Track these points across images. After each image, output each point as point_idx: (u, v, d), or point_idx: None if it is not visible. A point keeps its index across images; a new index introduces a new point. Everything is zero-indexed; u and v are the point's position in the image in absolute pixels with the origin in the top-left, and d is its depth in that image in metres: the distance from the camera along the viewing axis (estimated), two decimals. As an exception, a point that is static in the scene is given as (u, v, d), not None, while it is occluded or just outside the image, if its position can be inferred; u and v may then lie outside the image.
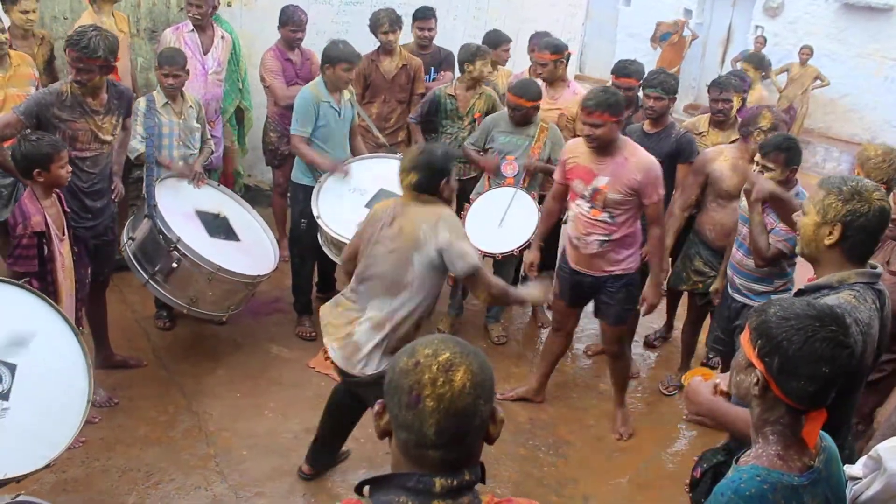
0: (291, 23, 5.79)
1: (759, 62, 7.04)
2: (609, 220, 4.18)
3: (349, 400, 3.84)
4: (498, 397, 4.75)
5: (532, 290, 3.81)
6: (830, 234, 2.51)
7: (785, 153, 3.89)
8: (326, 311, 3.70)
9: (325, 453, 4.05)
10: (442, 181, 3.45)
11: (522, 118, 5.11)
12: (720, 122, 5.14)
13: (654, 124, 4.92)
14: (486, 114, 5.59)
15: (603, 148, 4.10)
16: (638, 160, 4.10)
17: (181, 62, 4.83)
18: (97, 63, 3.91)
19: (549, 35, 6.08)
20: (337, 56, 4.92)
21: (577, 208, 4.27)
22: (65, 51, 3.95)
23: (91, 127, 4.04)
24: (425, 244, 3.35)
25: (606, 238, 4.22)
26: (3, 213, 5.08)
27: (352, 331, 3.53)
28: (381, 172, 5.00)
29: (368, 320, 3.51)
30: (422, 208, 3.43)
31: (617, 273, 4.32)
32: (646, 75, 5.14)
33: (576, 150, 4.26)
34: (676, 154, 4.87)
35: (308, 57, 5.93)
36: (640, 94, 5.11)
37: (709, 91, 5.16)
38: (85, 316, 4.24)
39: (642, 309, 4.47)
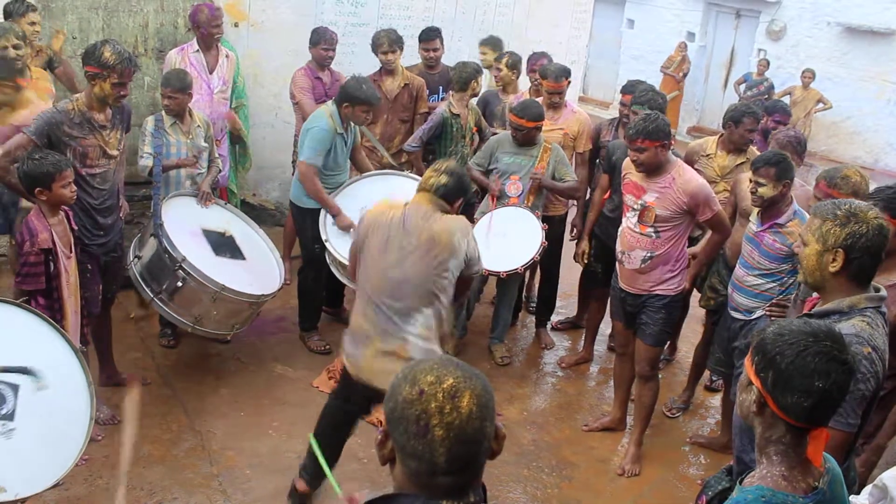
0: (324, 41, 5.88)
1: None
2: (654, 235, 4.28)
3: (348, 418, 3.86)
4: (583, 428, 4.88)
5: None
6: (834, 260, 2.51)
7: (775, 167, 3.94)
8: (365, 360, 3.58)
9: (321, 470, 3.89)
10: (461, 198, 3.65)
11: (525, 138, 5.17)
12: (740, 149, 5.10)
13: None
14: (476, 125, 5.75)
15: (651, 170, 4.24)
16: (684, 182, 4.21)
17: (178, 85, 4.83)
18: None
19: (546, 55, 6.16)
20: (360, 98, 4.92)
21: (627, 222, 4.40)
22: (96, 78, 3.95)
23: (99, 143, 4.07)
24: (460, 251, 3.50)
25: (650, 254, 4.31)
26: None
27: (403, 363, 3.40)
28: (388, 191, 5.02)
29: (418, 337, 3.52)
30: (447, 217, 3.55)
31: (658, 293, 4.37)
32: (635, 93, 5.19)
33: (630, 167, 4.40)
34: None
35: (337, 78, 5.96)
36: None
37: (743, 119, 4.98)
38: (90, 333, 4.25)
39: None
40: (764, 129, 5.64)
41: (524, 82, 6.55)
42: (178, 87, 4.82)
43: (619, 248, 4.48)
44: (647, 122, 4.15)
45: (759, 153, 5.05)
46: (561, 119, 5.58)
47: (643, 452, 4.67)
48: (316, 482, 3.84)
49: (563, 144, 5.45)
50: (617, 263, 4.54)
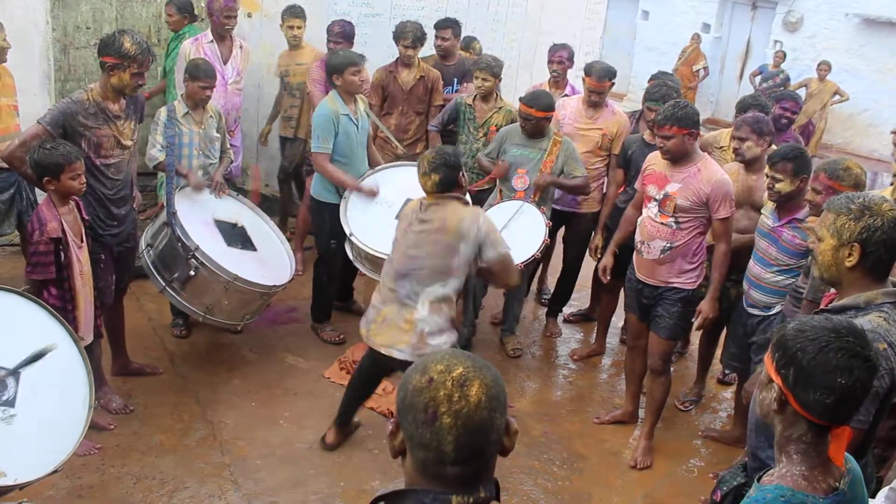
0: (346, 40, 5.83)
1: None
2: (674, 225, 4.27)
3: (377, 370, 4.26)
4: (595, 421, 4.89)
5: None
6: (850, 255, 2.48)
7: (792, 162, 3.93)
8: (374, 325, 4.03)
9: (349, 419, 4.39)
10: (459, 174, 3.91)
11: (534, 129, 5.09)
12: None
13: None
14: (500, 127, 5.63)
15: (677, 158, 4.24)
16: (710, 173, 4.20)
17: (213, 74, 4.90)
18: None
19: (566, 47, 6.10)
20: (341, 62, 4.97)
21: (647, 211, 4.39)
22: (115, 68, 3.95)
23: (114, 133, 4.08)
24: (468, 235, 3.81)
25: (669, 245, 4.29)
26: (2, 228, 5.13)
27: (412, 326, 3.90)
28: (405, 183, 5.00)
29: (424, 304, 3.88)
30: (458, 205, 3.90)
31: (675, 285, 4.35)
32: (648, 88, 5.15)
33: (655, 159, 4.41)
34: None
35: None
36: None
37: (749, 111, 4.95)
38: (103, 323, 4.27)
39: (696, 321, 4.41)
40: (774, 118, 5.60)
41: (542, 73, 6.50)
42: (213, 77, 4.89)
43: (638, 237, 4.45)
44: (677, 108, 4.16)
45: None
46: (600, 119, 5.47)
47: (655, 445, 4.65)
48: (346, 429, 4.38)
49: (600, 145, 5.41)
50: (634, 254, 4.51)
